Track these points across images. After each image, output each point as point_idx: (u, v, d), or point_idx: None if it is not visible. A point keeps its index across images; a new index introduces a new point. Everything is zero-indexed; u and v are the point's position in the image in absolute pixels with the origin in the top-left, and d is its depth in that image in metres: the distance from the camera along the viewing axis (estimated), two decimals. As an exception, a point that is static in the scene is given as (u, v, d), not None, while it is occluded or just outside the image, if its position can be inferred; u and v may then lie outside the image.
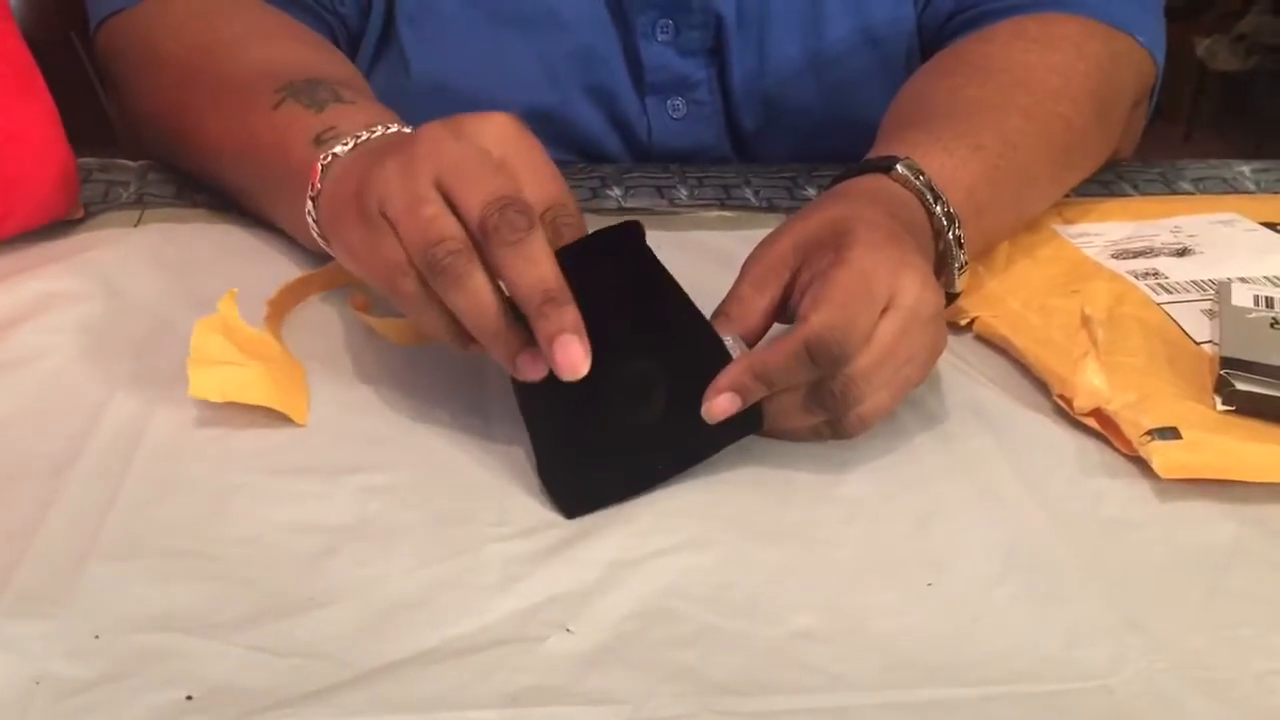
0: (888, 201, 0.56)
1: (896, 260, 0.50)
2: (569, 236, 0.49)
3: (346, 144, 0.55)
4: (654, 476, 0.49)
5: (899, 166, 0.57)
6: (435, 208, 0.47)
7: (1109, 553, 0.48)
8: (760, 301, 0.52)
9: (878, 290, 0.49)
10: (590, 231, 0.50)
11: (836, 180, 0.60)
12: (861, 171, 0.59)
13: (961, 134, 0.62)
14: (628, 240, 0.50)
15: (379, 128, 0.56)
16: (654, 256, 0.50)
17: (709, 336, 0.50)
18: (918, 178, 0.57)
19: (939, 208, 0.57)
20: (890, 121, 0.69)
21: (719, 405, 0.49)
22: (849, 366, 0.49)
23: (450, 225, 0.47)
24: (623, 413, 0.49)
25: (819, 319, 0.48)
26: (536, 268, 0.46)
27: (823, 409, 0.50)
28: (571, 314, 0.46)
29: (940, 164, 0.59)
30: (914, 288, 0.50)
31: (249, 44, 0.68)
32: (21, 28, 0.68)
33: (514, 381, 0.49)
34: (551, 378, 0.48)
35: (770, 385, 0.49)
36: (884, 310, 0.50)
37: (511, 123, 0.50)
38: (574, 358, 0.46)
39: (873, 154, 0.61)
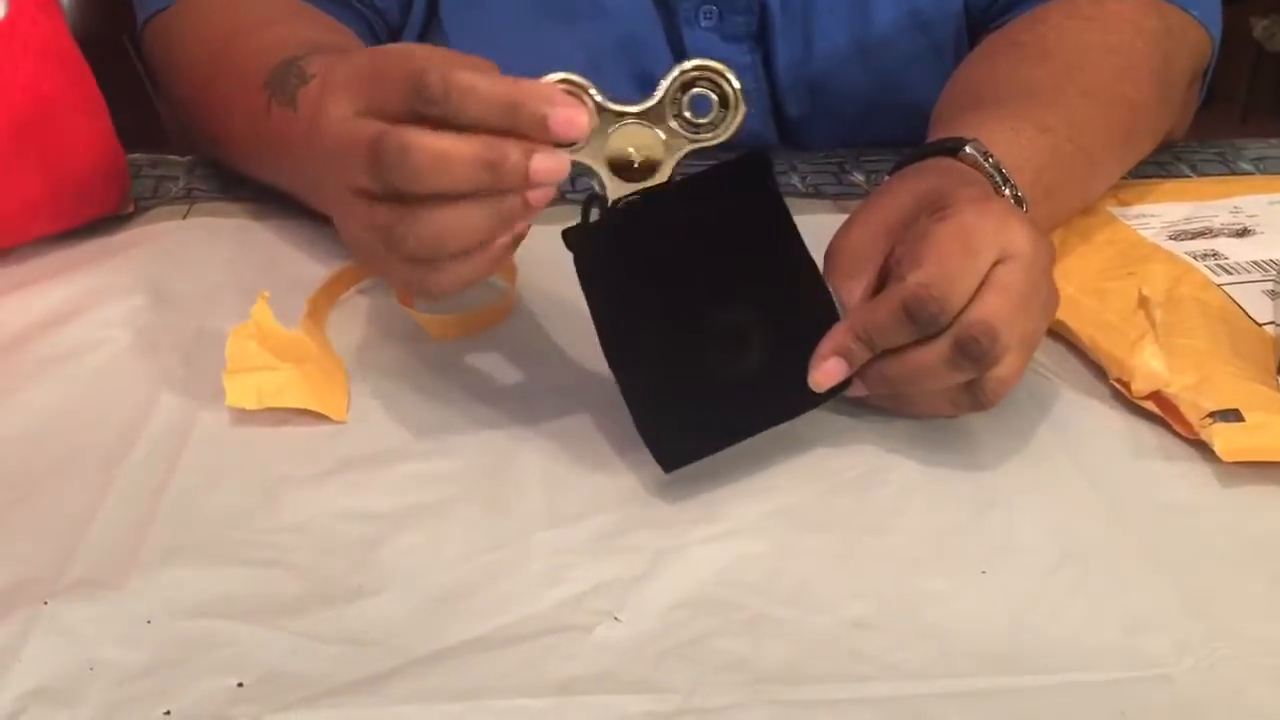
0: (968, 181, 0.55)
1: (1003, 213, 0.49)
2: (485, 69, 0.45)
3: None
4: (750, 430, 0.48)
5: (967, 148, 0.56)
6: (364, 127, 0.44)
7: (1169, 539, 0.47)
8: (857, 291, 0.50)
9: (981, 244, 0.48)
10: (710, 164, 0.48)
11: (899, 165, 0.58)
12: (925, 155, 0.57)
13: (1026, 115, 0.61)
14: (752, 175, 0.49)
15: None
16: (778, 195, 0.49)
17: (820, 291, 0.49)
18: (986, 159, 0.56)
19: (1008, 190, 0.56)
20: (947, 105, 0.67)
21: (826, 371, 0.48)
22: (976, 314, 0.47)
23: (375, 125, 0.44)
24: (721, 364, 0.48)
25: (915, 276, 0.47)
26: (475, 92, 0.42)
27: (968, 360, 0.47)
28: (541, 90, 0.43)
29: (1008, 145, 0.58)
30: (1028, 235, 0.49)
31: (245, 34, 0.67)
32: (73, 28, 0.69)
33: (605, 335, 0.48)
34: (644, 327, 0.47)
35: (873, 347, 0.48)
36: (1000, 261, 0.48)
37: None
38: (568, 115, 0.43)
39: (933, 137, 0.60)
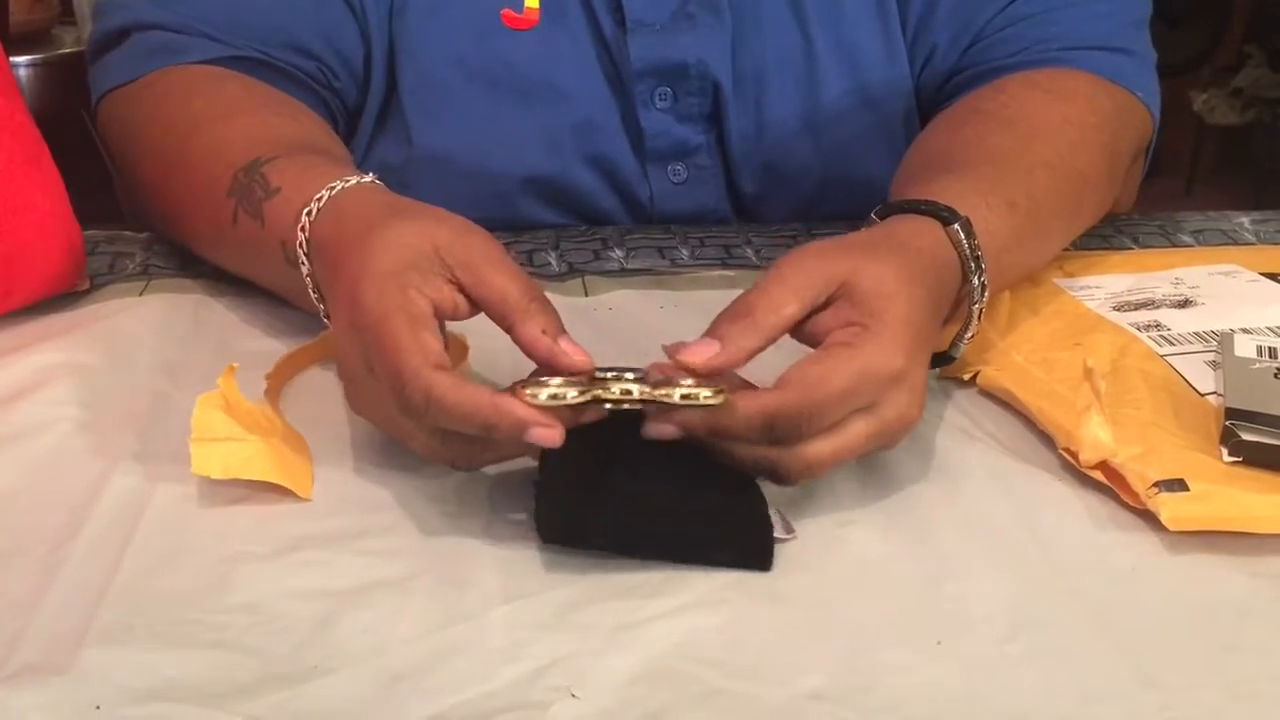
0: (936, 268, 0.56)
1: (899, 371, 0.50)
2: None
3: (306, 257, 0.56)
4: (637, 549, 0.49)
5: (958, 227, 0.56)
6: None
7: (1120, 608, 0.47)
8: (789, 310, 0.51)
9: (865, 391, 0.49)
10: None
11: (892, 209, 0.58)
12: (916, 210, 0.58)
13: (997, 187, 0.62)
14: None
15: (314, 207, 0.56)
16: None
17: (756, 489, 0.51)
18: (970, 240, 0.56)
19: (976, 279, 0.57)
20: (918, 166, 0.68)
21: (661, 430, 0.49)
22: (808, 449, 0.49)
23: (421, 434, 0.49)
24: (637, 487, 0.49)
25: (796, 395, 0.48)
26: (455, 412, 0.47)
27: (773, 473, 0.50)
28: (515, 416, 0.47)
29: (984, 222, 0.59)
30: (899, 405, 0.50)
31: (207, 126, 0.67)
32: (30, 103, 0.69)
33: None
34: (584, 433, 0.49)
35: (718, 438, 0.49)
36: (866, 410, 0.50)
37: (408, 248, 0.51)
38: (541, 434, 0.47)
39: (906, 195, 0.60)
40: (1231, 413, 0.54)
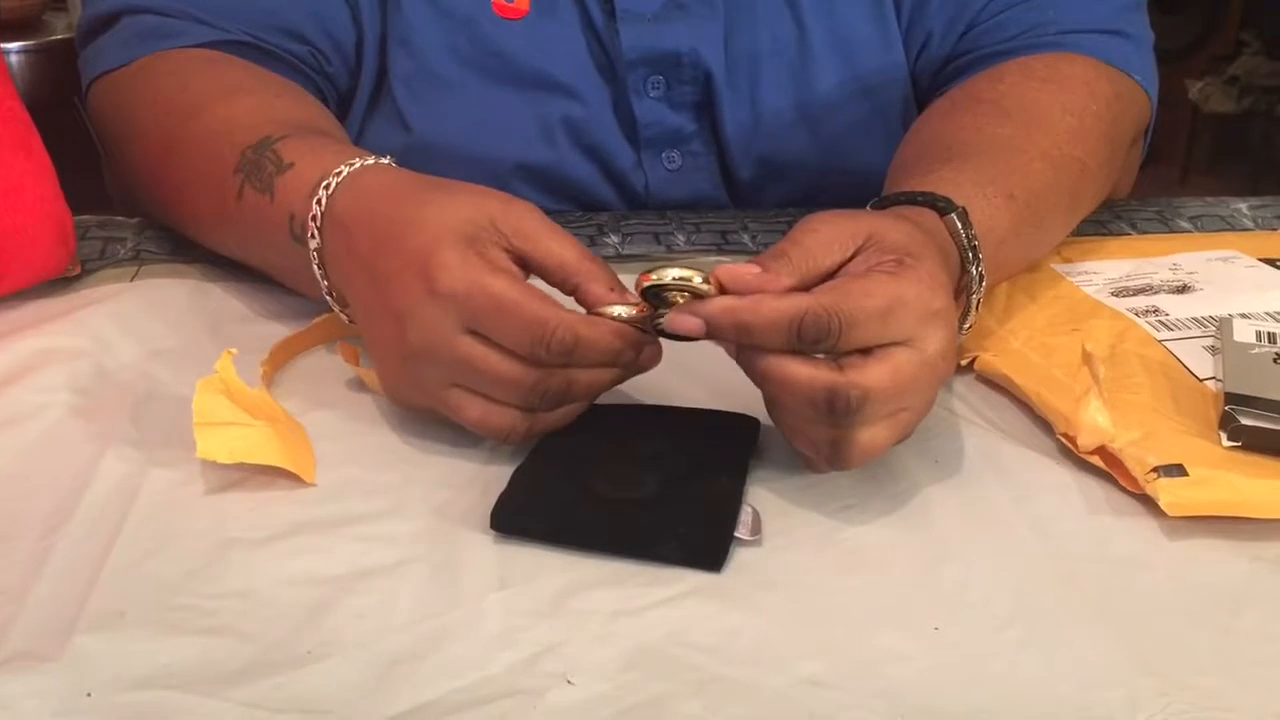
0: (943, 251, 0.55)
1: (938, 309, 0.49)
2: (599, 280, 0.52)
3: (318, 230, 0.56)
4: (587, 543, 0.48)
5: (954, 217, 0.56)
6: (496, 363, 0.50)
7: (1118, 594, 0.47)
8: (824, 262, 0.50)
9: (903, 319, 0.48)
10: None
11: (888, 201, 0.58)
12: (913, 202, 0.57)
13: (995, 179, 0.62)
14: (741, 429, 0.54)
15: (331, 181, 0.56)
16: (753, 446, 0.53)
17: (732, 490, 0.50)
18: (967, 230, 0.56)
19: (974, 269, 0.56)
20: (914, 156, 0.68)
21: (682, 321, 0.49)
22: (864, 373, 0.48)
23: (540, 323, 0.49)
24: (602, 481, 0.50)
25: (829, 298, 0.48)
26: (597, 346, 0.50)
27: (832, 417, 0.48)
28: (634, 338, 0.51)
29: (980, 213, 0.58)
30: (940, 341, 0.50)
31: (209, 106, 0.66)
32: (21, 90, 0.69)
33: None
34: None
35: (742, 334, 0.49)
36: (904, 343, 0.49)
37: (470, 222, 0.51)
38: (654, 352, 0.52)
39: (902, 186, 0.60)
40: (1231, 398, 0.54)
